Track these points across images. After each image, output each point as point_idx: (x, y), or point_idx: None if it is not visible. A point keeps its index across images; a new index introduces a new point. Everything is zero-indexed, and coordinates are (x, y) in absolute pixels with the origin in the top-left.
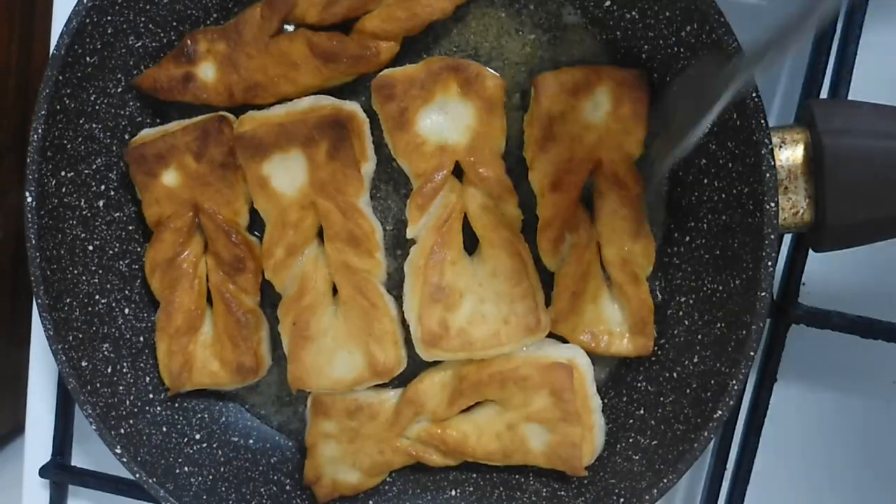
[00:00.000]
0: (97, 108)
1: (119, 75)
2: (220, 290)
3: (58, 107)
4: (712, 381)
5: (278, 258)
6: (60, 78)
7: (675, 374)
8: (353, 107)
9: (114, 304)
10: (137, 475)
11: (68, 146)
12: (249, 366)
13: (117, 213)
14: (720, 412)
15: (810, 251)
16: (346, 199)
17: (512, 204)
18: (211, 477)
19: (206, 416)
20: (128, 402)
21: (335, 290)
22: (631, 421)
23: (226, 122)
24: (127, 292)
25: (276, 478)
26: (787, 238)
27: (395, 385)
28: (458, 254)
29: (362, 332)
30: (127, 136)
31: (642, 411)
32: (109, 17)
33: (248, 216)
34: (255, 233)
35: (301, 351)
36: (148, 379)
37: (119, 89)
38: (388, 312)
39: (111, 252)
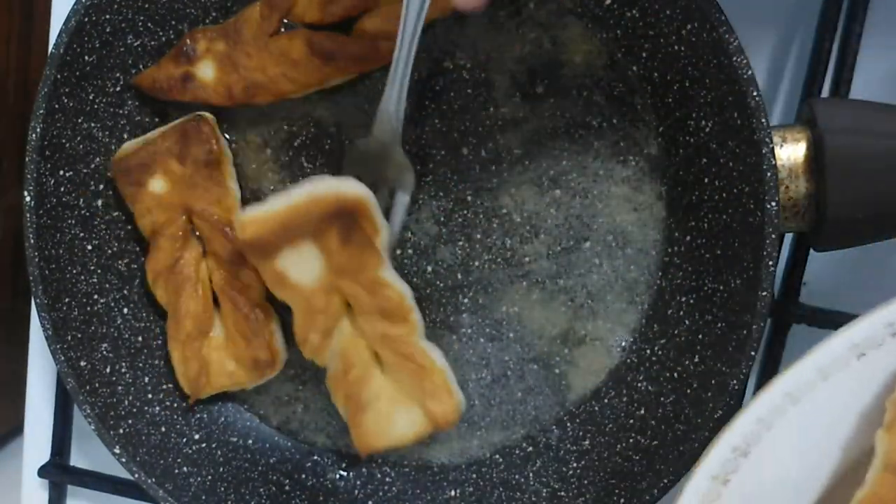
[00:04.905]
0: (96, 107)
1: (118, 74)
2: (225, 289)
3: (56, 106)
4: (713, 381)
5: (314, 343)
6: (59, 77)
7: (675, 374)
8: (353, 189)
9: (112, 304)
10: (136, 475)
11: (67, 145)
12: (265, 360)
13: (116, 213)
14: (721, 412)
15: (811, 250)
16: (368, 275)
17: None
18: (210, 477)
19: (205, 416)
20: (126, 402)
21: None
22: (631, 421)
23: (204, 120)
24: (125, 292)
25: (275, 478)
26: (788, 237)
27: None
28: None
29: (416, 391)
30: (126, 136)
31: (642, 411)
32: (108, 16)
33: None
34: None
35: (360, 419)
36: (147, 379)
37: (118, 88)
38: (435, 367)
39: (110, 251)
